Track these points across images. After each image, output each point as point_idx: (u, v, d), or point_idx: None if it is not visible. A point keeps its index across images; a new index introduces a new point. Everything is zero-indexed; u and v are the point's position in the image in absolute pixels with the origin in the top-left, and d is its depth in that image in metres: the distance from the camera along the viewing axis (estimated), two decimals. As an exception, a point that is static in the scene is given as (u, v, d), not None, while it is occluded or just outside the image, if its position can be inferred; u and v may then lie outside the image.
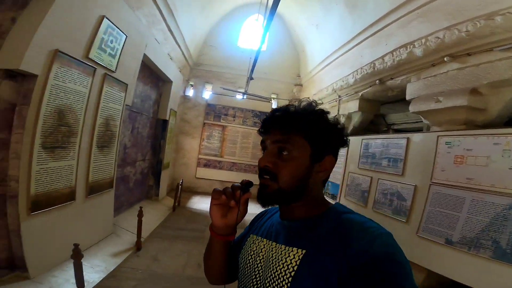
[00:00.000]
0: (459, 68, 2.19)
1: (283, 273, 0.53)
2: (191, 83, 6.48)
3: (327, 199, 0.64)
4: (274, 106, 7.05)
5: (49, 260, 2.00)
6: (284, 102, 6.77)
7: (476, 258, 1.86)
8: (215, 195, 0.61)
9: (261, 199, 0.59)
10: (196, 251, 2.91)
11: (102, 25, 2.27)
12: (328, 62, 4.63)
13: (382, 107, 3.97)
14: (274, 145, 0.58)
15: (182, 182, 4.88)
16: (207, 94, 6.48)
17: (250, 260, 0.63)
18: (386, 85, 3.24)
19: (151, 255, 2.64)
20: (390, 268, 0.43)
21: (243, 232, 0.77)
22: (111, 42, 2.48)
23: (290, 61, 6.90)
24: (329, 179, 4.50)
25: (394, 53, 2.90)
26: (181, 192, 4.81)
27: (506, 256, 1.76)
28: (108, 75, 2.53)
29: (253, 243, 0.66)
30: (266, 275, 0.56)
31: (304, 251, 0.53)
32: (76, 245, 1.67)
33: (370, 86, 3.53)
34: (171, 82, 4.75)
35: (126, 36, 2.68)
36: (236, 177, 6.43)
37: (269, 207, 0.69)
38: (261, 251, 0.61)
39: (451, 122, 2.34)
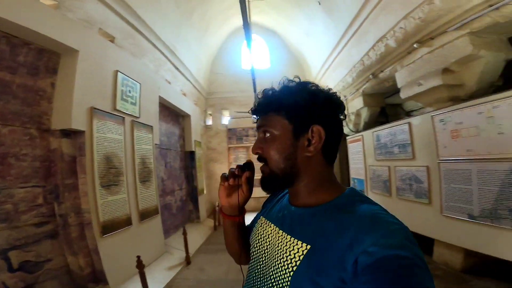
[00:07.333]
0: (429, 52, 2.32)
1: (286, 266, 0.51)
2: (209, 112, 6.91)
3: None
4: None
5: (122, 274, 2.35)
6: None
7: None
8: (222, 178, 0.65)
9: (261, 185, 0.59)
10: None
11: (118, 78, 2.60)
12: (326, 67, 4.85)
13: (395, 97, 3.90)
14: (259, 130, 0.59)
15: (218, 204, 5.18)
16: (225, 120, 6.79)
17: (257, 244, 0.62)
18: (380, 78, 3.37)
19: (198, 267, 3.04)
20: (400, 271, 0.37)
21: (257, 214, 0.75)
22: (129, 91, 2.80)
23: (295, 73, 6.90)
24: (355, 176, 4.58)
25: (374, 47, 3.09)
26: (219, 213, 5.44)
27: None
28: (135, 121, 2.87)
29: (261, 226, 0.64)
30: (271, 264, 0.55)
31: (309, 247, 0.49)
32: (138, 257, 2.09)
33: (367, 82, 3.67)
34: (189, 115, 5.07)
35: (140, 84, 2.99)
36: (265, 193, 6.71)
37: (276, 192, 0.70)
38: (268, 237, 0.60)
39: (438, 101, 2.43)
